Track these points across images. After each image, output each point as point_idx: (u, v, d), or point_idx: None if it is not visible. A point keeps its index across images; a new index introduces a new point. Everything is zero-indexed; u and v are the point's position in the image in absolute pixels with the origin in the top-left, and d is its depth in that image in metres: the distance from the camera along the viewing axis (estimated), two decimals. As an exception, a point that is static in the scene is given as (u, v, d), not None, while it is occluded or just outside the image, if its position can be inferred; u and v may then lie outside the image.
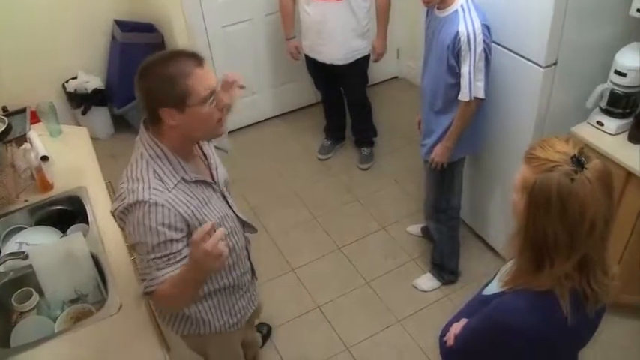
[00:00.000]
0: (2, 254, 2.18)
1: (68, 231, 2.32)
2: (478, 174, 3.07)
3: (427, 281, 3.11)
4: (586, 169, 1.20)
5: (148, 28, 4.17)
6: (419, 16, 2.86)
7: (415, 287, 3.11)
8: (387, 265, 3.25)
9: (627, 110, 2.52)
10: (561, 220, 1.22)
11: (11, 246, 2.24)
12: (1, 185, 2.32)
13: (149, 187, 1.56)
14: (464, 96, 2.47)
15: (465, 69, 2.40)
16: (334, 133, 4.14)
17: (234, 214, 1.87)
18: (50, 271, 2.04)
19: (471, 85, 2.43)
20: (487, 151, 2.94)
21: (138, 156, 1.62)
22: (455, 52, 2.39)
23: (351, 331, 2.90)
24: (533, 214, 1.25)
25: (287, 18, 3.59)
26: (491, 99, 2.67)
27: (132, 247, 1.66)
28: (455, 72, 2.44)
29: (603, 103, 2.55)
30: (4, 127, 2.44)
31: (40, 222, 2.37)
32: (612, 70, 2.48)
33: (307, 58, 3.68)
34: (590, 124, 2.60)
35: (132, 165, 1.63)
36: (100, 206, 2.36)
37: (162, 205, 1.55)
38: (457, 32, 2.34)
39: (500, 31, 2.58)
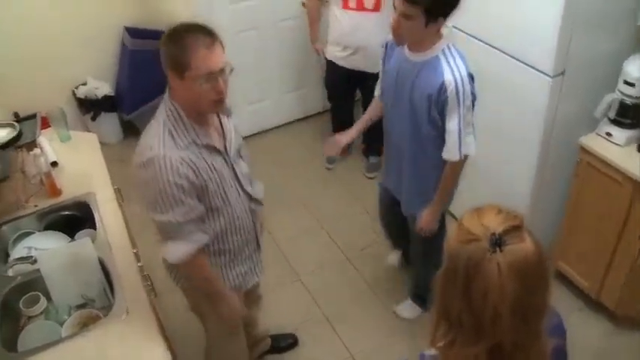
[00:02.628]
0: (11, 258, 2.20)
1: (76, 236, 2.33)
2: (480, 185, 3.04)
3: (409, 308, 2.97)
4: (502, 251, 1.06)
5: (158, 34, 4.17)
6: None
7: (395, 314, 2.99)
8: (394, 275, 3.24)
9: (636, 121, 2.51)
10: (465, 299, 1.09)
11: (20, 250, 2.25)
12: (11, 190, 2.34)
13: (163, 144, 1.70)
14: (452, 155, 2.19)
15: (452, 125, 2.13)
16: (340, 143, 4.14)
17: (241, 186, 1.97)
18: (58, 275, 2.05)
19: (460, 142, 2.15)
20: (491, 163, 2.94)
21: (158, 114, 1.78)
22: (439, 104, 2.11)
23: (356, 340, 2.89)
24: (443, 283, 1.15)
25: (314, 23, 3.61)
26: (496, 109, 2.66)
27: (150, 207, 1.76)
28: (437, 124, 2.17)
29: (612, 114, 2.54)
30: (15, 133, 2.47)
31: (49, 227, 2.38)
32: (621, 80, 2.47)
33: (331, 64, 3.67)
34: (599, 135, 2.59)
35: (152, 122, 1.79)
36: (108, 212, 2.37)
37: (176, 160, 1.69)
38: (442, 82, 2.06)
39: (508, 40, 2.58)
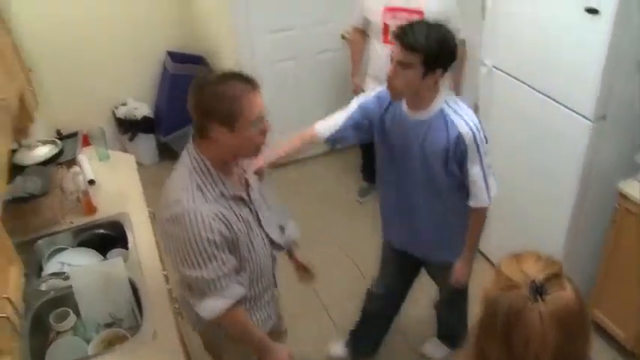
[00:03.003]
0: (44, 273, 2.24)
1: (108, 255, 2.36)
2: (514, 228, 2.98)
3: (436, 348, 2.94)
4: (543, 300, 1.05)
5: (199, 60, 4.29)
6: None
7: (422, 353, 2.95)
8: (422, 312, 3.18)
9: (678, 169, 2.45)
10: (505, 346, 1.08)
11: (54, 265, 2.29)
12: (49, 207, 2.38)
13: (193, 198, 1.64)
14: (482, 202, 2.14)
15: (475, 174, 2.08)
16: (370, 175, 4.14)
17: (266, 233, 1.92)
18: (89, 293, 2.07)
19: (487, 187, 2.11)
20: (526, 206, 2.90)
21: (182, 165, 1.72)
22: (457, 155, 2.04)
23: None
24: (480, 332, 1.13)
25: (356, 57, 3.62)
26: (533, 151, 2.63)
27: (180, 262, 1.68)
28: (454, 174, 2.11)
29: (654, 160, 2.49)
30: (57, 150, 2.53)
31: (82, 244, 2.42)
32: (664, 126, 2.43)
33: None
34: (639, 181, 2.54)
35: (177, 173, 1.73)
36: (140, 233, 2.40)
37: (207, 215, 1.64)
38: (458, 135, 2.00)
39: (549, 82, 2.56)
